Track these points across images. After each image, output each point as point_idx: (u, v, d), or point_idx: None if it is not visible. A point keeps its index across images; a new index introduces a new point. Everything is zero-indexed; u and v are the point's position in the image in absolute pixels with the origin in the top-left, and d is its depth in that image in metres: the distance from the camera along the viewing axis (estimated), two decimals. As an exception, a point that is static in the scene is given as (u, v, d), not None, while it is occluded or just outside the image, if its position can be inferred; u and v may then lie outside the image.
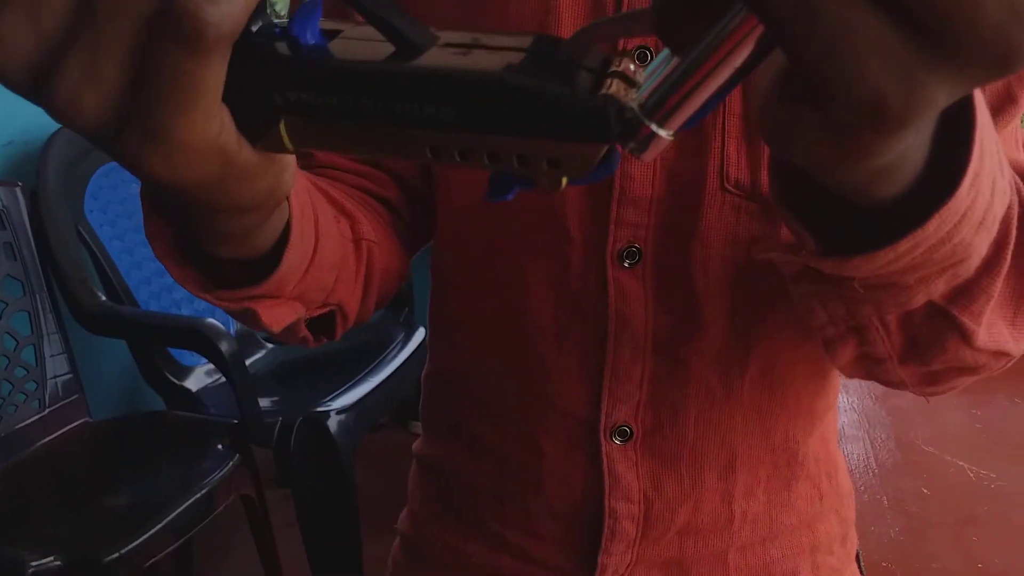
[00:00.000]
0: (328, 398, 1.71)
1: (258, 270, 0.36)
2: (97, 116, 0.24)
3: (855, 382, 0.86)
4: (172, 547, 1.30)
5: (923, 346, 0.36)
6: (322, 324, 0.48)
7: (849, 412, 0.87)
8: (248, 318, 0.38)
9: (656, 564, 0.55)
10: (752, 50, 0.21)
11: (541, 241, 0.49)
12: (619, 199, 0.46)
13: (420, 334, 1.97)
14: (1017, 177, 0.35)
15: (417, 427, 1.41)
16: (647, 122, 0.22)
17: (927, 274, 0.29)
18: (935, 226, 0.26)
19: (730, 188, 0.45)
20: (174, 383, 1.71)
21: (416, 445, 0.67)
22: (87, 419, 1.59)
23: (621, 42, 0.44)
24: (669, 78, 0.22)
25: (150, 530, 1.24)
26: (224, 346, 1.42)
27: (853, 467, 0.72)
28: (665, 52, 0.22)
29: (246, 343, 1.95)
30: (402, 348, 1.94)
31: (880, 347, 0.36)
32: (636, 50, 0.44)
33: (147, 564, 1.24)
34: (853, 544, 0.63)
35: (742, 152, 0.44)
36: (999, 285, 0.33)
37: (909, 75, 0.18)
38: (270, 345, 1.96)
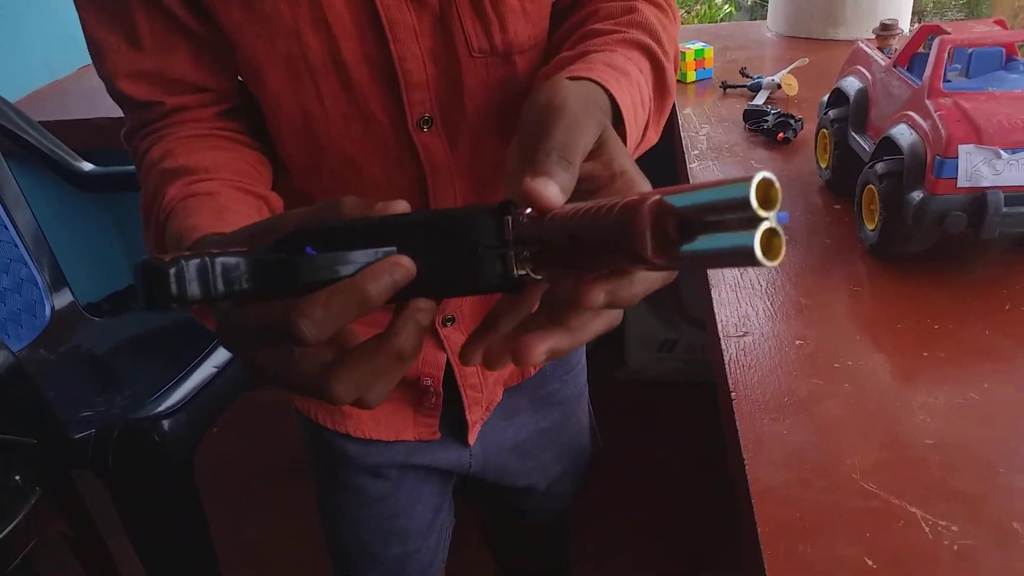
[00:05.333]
0: (167, 386, 1.41)
1: None
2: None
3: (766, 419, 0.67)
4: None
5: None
6: None
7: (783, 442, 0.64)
8: None
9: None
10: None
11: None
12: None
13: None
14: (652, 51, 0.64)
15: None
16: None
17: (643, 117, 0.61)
18: (630, 124, 0.56)
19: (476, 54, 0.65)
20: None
21: None
22: None
23: None
24: None
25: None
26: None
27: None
28: None
29: (70, 320, 1.62)
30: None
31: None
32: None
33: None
34: None
35: (476, 24, 0.63)
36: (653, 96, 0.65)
37: None
38: (98, 319, 1.63)
